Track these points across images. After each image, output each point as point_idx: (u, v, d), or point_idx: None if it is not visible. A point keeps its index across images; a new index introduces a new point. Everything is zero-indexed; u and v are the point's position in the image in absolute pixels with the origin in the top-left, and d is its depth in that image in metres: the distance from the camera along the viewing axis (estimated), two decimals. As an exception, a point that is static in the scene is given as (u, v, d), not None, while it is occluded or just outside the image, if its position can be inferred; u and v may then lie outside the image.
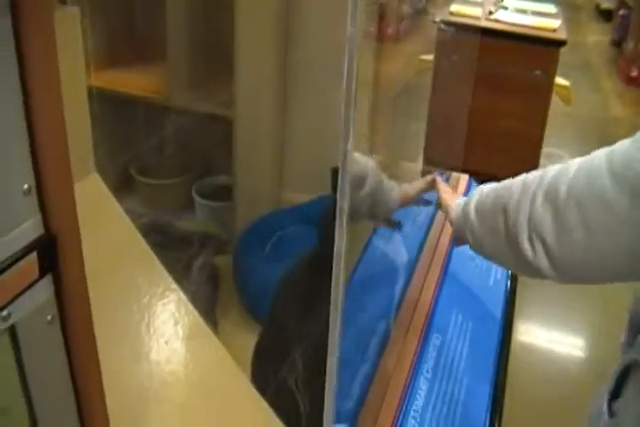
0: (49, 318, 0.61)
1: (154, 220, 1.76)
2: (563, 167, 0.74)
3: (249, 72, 1.45)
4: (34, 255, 0.55)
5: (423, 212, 1.47)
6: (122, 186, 1.87)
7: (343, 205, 0.82)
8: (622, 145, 0.69)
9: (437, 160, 2.23)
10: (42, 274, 0.57)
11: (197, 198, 1.75)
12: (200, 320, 1.03)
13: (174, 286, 1.00)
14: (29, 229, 0.55)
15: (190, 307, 1.04)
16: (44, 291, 0.59)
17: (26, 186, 0.52)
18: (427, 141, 2.64)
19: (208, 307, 1.52)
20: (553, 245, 0.72)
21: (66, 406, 0.69)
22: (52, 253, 0.58)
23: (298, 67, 1.60)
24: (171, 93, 1.56)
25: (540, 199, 0.74)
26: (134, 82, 1.60)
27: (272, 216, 1.61)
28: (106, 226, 0.98)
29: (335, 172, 1.06)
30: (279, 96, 1.51)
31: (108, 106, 1.68)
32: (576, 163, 0.73)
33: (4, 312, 0.54)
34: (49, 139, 0.53)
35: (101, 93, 1.63)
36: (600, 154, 0.71)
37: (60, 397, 0.68)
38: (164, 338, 0.96)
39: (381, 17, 2.94)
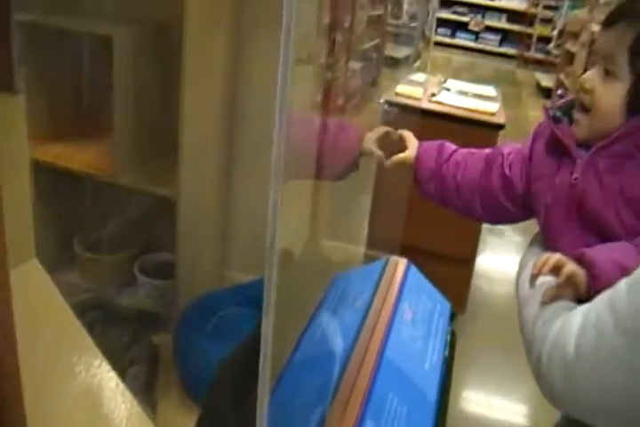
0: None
1: (96, 296, 1.78)
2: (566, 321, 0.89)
3: (193, 152, 1.53)
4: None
5: (361, 296, 1.54)
6: (66, 261, 1.89)
7: (271, 290, 0.87)
8: (621, 291, 0.81)
9: (379, 242, 2.32)
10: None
11: (139, 275, 1.78)
12: (137, 407, 1.05)
13: (112, 373, 1.03)
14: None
15: (127, 393, 1.06)
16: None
17: None
18: (370, 223, 2.73)
19: (147, 387, 1.52)
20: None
21: None
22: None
23: (243, 147, 1.68)
24: (115, 171, 1.61)
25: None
26: (79, 158, 1.65)
27: (214, 295, 1.65)
28: (44, 314, 1.01)
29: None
30: (223, 177, 1.58)
31: (52, 180, 1.73)
32: (580, 313, 0.88)
33: None
34: None
35: (46, 167, 1.68)
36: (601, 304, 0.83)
37: None
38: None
39: (329, 93, 3.10)
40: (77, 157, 1.66)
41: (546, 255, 1.02)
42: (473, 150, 1.39)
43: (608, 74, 1.05)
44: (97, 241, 1.83)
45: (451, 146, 1.43)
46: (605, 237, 1.07)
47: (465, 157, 1.38)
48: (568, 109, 1.17)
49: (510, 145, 1.34)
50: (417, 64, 3.98)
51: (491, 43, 12.29)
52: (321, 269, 1.81)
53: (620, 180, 1.06)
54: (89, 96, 1.69)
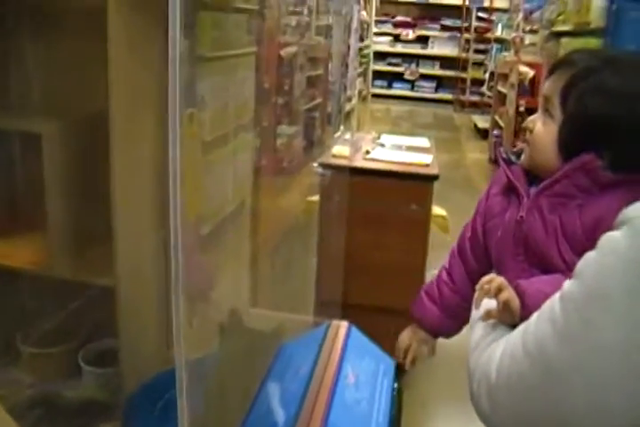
0: None
1: (41, 391, 1.80)
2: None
3: (128, 239, 1.59)
4: None
5: (305, 364, 1.59)
6: (7, 356, 1.91)
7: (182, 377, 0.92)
8: (532, 319, 0.95)
9: (322, 307, 2.39)
10: None
11: (83, 365, 1.80)
12: None
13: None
14: None
15: None
16: None
17: None
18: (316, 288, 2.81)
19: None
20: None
21: None
22: None
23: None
24: (51, 264, 1.66)
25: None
26: (15, 254, 1.70)
27: (160, 377, 1.68)
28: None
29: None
30: (160, 259, 1.64)
31: None
32: (504, 340, 1.01)
33: None
34: None
35: None
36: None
37: None
38: None
39: (270, 158, 3.20)
40: (13, 253, 1.71)
41: (491, 276, 1.18)
42: (450, 261, 1.58)
43: (546, 114, 1.23)
44: (39, 336, 1.85)
45: (432, 288, 1.61)
46: (549, 271, 1.20)
47: (449, 276, 1.57)
48: (521, 154, 1.33)
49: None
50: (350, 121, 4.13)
51: (427, 90, 12.74)
52: (265, 340, 1.86)
53: (560, 218, 1.20)
54: (21, 192, 1.75)
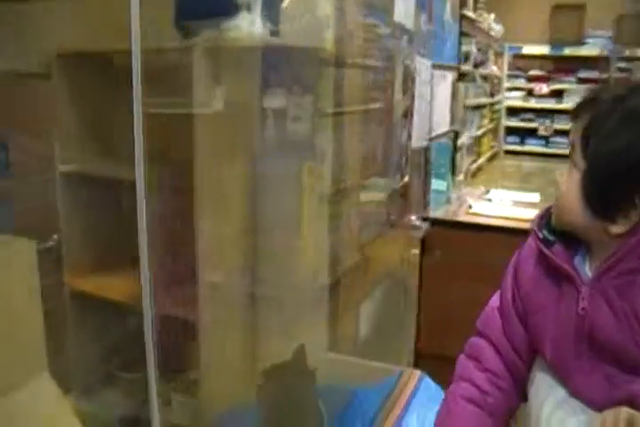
0: None
1: (131, 411, 1.98)
2: None
3: (210, 281, 1.75)
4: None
5: (372, 412, 1.66)
6: (106, 380, 2.13)
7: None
8: None
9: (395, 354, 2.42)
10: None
11: (171, 394, 1.96)
12: None
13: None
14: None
15: None
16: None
17: None
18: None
19: None
20: None
21: None
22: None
23: (264, 278, 1.89)
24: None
25: None
26: (112, 287, 1.92)
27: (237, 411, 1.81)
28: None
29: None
30: (240, 301, 1.79)
31: (91, 308, 2.00)
32: None
33: None
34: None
35: (85, 297, 1.97)
36: None
37: None
38: None
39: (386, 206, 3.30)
40: (111, 287, 1.92)
41: (608, 418, 0.92)
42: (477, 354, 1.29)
43: (572, 164, 1.07)
44: (132, 363, 2.04)
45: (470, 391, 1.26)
46: (625, 365, 1.02)
47: (490, 375, 1.25)
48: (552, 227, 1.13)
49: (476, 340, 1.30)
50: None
51: (562, 146, 12.43)
52: (341, 386, 1.94)
53: (632, 301, 1.01)
54: (119, 235, 1.97)
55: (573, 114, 1.09)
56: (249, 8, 1.48)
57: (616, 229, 1.01)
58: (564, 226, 1.10)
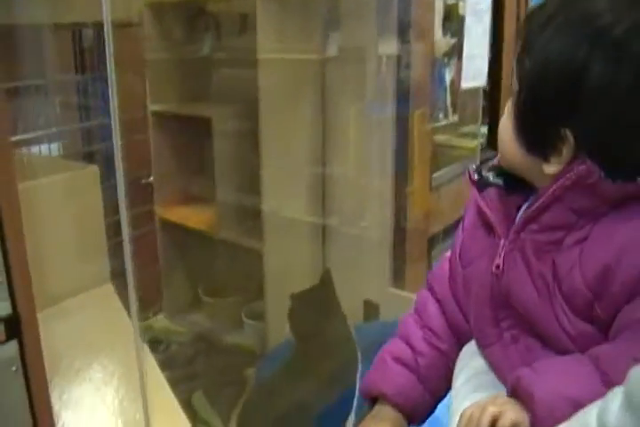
0: (14, 368, 1.04)
1: (209, 332, 2.24)
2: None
3: (276, 214, 1.92)
4: (2, 326, 1.00)
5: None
6: (193, 303, 2.40)
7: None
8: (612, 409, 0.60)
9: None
10: (8, 338, 1.02)
11: (245, 319, 2.20)
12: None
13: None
14: (1, 307, 1.00)
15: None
16: (9, 350, 1.03)
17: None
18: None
19: (229, 407, 1.89)
20: None
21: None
22: (17, 326, 1.02)
23: (332, 209, 2.03)
24: (219, 228, 2.07)
25: None
26: (192, 217, 2.15)
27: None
28: (111, 329, 1.41)
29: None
30: (306, 231, 1.95)
31: (178, 236, 2.26)
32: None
33: None
34: (15, 260, 0.99)
35: (171, 225, 2.22)
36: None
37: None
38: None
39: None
40: (191, 217, 2.16)
41: (469, 409, 0.79)
42: (422, 309, 1.06)
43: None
44: (215, 289, 2.29)
45: (401, 349, 1.04)
46: (545, 339, 0.84)
47: (427, 330, 1.04)
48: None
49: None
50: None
51: None
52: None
53: (554, 264, 0.80)
54: (201, 170, 2.19)
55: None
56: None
57: (549, 168, 0.80)
58: (507, 166, 0.88)
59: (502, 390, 0.83)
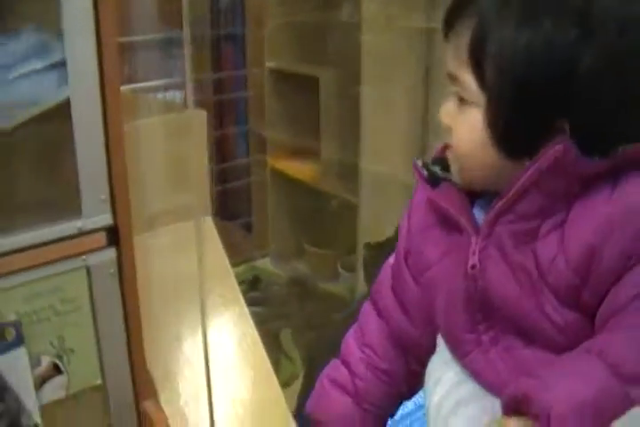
0: (112, 271, 1.27)
1: (308, 279, 2.44)
2: None
3: (373, 169, 2.07)
4: (104, 233, 1.23)
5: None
6: (298, 252, 2.62)
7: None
8: None
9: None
10: (108, 244, 1.24)
11: (341, 270, 2.38)
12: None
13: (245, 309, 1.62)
14: (104, 218, 1.22)
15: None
16: (109, 254, 1.26)
17: (103, 196, 1.20)
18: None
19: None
20: None
21: (119, 338, 1.33)
22: (115, 235, 1.24)
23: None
24: (322, 180, 2.26)
25: None
26: (300, 169, 2.35)
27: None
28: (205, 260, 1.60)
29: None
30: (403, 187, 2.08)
31: (284, 185, 2.47)
32: None
33: (84, 257, 1.22)
34: (118, 180, 1.21)
35: (280, 175, 2.46)
36: None
37: (117, 330, 1.33)
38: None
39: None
40: (300, 169, 2.36)
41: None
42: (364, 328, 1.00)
43: (462, 101, 0.79)
44: (317, 239, 2.49)
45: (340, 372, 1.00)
46: (528, 338, 0.80)
47: (367, 349, 1.00)
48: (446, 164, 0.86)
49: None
50: None
51: None
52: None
53: (535, 254, 0.77)
54: (309, 127, 2.36)
55: (444, 31, 0.80)
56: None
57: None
58: (473, 182, 0.82)
59: (487, 399, 0.81)
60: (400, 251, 0.94)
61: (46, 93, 1.21)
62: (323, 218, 2.41)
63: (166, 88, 2.16)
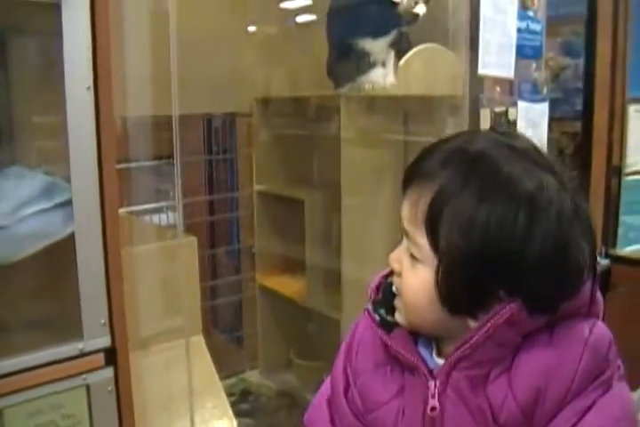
0: (109, 388, 1.39)
1: (294, 388, 2.53)
2: None
3: (355, 287, 2.22)
4: (102, 354, 1.36)
5: None
6: (284, 362, 2.74)
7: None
8: None
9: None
10: (106, 364, 1.37)
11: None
12: None
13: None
14: (104, 341, 1.36)
15: None
16: (107, 373, 1.38)
17: (103, 320, 1.35)
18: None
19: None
20: None
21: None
22: (113, 356, 1.38)
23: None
24: (307, 297, 2.40)
25: None
26: (288, 286, 2.50)
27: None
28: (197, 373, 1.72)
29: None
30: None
31: (273, 301, 2.61)
32: None
33: (84, 376, 1.35)
34: (116, 305, 1.36)
35: (269, 291, 2.60)
36: None
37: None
38: None
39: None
40: (287, 285, 2.51)
41: None
42: None
43: (412, 257, 0.86)
44: (303, 351, 2.61)
45: None
46: None
47: None
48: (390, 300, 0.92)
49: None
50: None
51: None
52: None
53: (487, 397, 0.84)
54: (289, 244, 2.54)
55: (406, 184, 0.87)
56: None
57: (474, 323, 0.84)
58: (418, 328, 0.90)
59: None
60: (338, 385, 0.98)
61: (53, 229, 1.36)
62: (309, 332, 2.54)
63: (160, 210, 2.35)
